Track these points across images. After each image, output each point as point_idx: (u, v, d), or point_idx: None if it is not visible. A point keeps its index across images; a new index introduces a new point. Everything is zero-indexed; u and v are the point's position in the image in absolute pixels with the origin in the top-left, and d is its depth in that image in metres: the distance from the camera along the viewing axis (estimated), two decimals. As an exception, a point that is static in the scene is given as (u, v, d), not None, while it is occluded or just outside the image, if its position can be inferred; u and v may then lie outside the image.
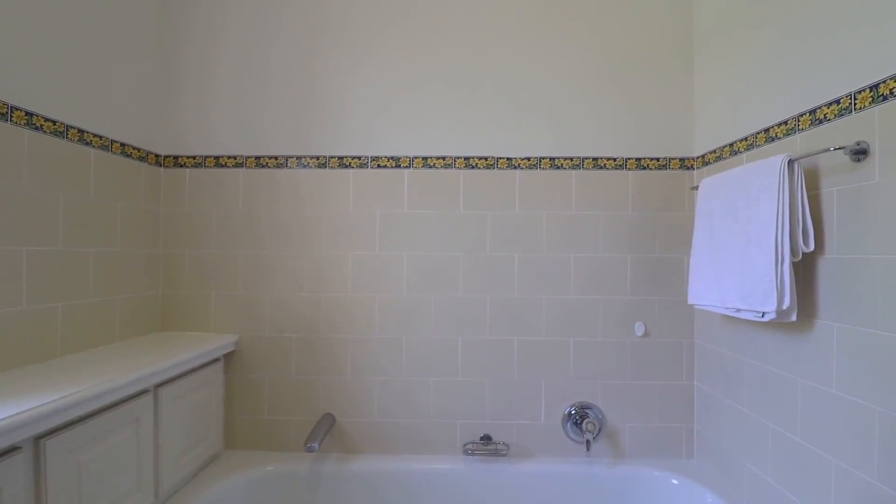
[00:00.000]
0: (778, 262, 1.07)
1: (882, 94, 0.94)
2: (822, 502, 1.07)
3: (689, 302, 1.42)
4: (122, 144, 1.49)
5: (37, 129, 1.20)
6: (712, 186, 1.35)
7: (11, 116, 1.14)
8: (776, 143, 1.23)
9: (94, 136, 1.38)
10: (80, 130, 1.33)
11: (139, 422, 1.21)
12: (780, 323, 1.20)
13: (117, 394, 1.10)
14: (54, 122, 1.25)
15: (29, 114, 1.18)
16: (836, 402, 1.03)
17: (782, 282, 1.07)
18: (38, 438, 0.94)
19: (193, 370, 1.46)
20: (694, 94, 1.63)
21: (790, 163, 1.07)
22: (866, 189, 0.97)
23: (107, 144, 1.43)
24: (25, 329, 1.18)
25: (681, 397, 1.62)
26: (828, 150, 0.99)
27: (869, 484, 0.95)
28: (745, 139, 1.36)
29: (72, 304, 1.31)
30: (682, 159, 1.63)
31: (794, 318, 1.08)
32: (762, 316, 1.12)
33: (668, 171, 1.63)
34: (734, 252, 1.21)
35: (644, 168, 1.63)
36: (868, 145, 0.97)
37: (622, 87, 1.64)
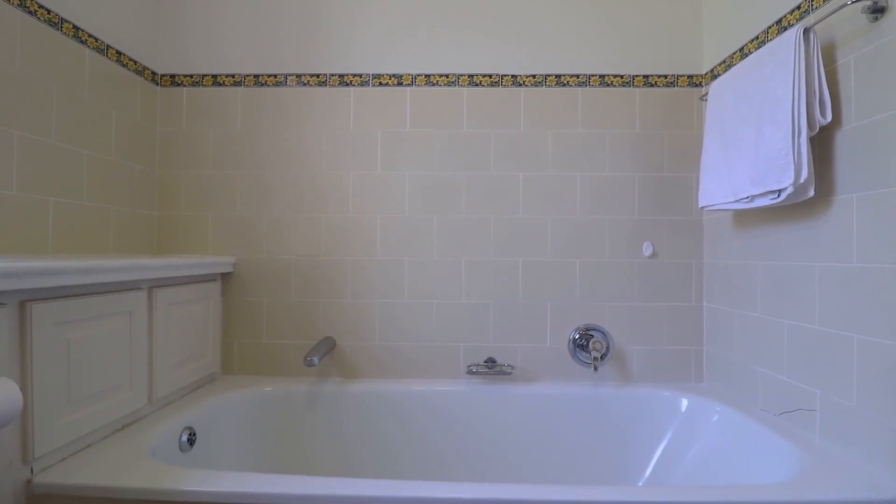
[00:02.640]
0: (795, 134, 1.04)
1: (902, -57, 0.91)
2: (845, 385, 1.02)
3: (700, 205, 1.38)
4: (119, 52, 1.46)
5: (30, 13, 1.17)
6: (722, 84, 1.32)
7: (3, -7, 1.10)
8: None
9: (90, 36, 1.35)
10: (74, 27, 1.30)
11: (132, 316, 1.17)
12: (795, 211, 1.16)
13: (109, 276, 1.05)
14: (48, 11, 1.22)
15: (22, -5, 1.15)
16: (857, 276, 0.99)
17: (799, 154, 1.03)
18: (25, 302, 0.90)
19: (190, 282, 1.41)
20: (702, 7, 1.60)
21: (805, 32, 1.04)
22: (886, 45, 0.94)
23: (102, 48, 1.39)
24: (16, 216, 1.14)
25: (690, 319, 1.58)
26: (845, 4, 0.95)
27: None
28: (756, 38, 1.32)
29: (64, 202, 1.27)
30: (689, 76, 1.59)
31: (811, 193, 1.04)
32: (778, 196, 1.08)
33: (677, 88, 1.59)
34: (747, 137, 1.18)
35: (652, 86, 1.60)
36: (886, 2, 0.94)
37: (629, 2, 1.60)
